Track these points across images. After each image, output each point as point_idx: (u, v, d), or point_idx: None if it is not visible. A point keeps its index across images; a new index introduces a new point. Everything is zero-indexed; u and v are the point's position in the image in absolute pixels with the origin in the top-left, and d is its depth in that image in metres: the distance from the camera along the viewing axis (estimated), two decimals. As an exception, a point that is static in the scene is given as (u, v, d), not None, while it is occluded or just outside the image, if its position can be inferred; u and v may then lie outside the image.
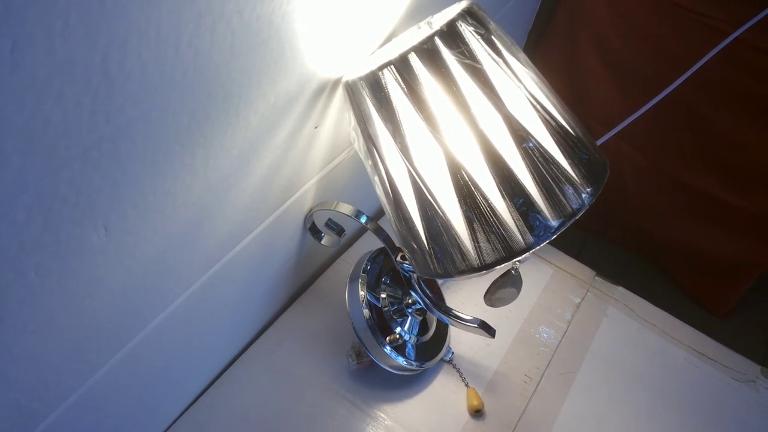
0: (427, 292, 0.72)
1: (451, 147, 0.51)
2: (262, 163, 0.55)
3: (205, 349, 0.66)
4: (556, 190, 0.51)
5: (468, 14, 0.52)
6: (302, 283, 0.83)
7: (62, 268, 0.38)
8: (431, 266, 0.56)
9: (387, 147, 0.54)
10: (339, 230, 0.73)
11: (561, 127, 0.53)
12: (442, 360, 0.78)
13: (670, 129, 1.23)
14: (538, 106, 0.53)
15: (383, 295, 0.74)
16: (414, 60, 0.51)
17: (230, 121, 0.46)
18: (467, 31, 0.51)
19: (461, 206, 0.52)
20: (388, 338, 0.71)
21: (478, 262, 0.53)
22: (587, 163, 0.53)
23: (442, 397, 0.75)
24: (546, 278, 0.90)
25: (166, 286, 0.53)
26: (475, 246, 0.52)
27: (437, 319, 0.79)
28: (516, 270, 0.65)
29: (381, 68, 0.51)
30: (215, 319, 0.65)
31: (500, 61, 0.52)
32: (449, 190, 0.52)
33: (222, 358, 0.73)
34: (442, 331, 0.78)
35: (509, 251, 0.51)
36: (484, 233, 0.52)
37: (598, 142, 0.95)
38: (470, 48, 0.51)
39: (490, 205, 0.51)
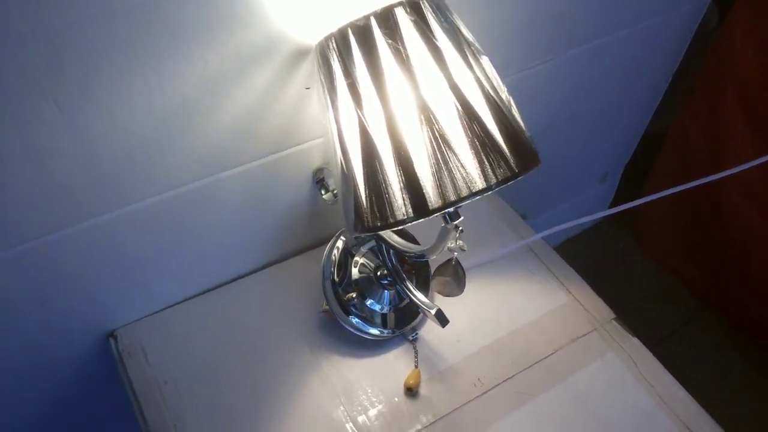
0: (394, 262, 0.77)
1: (364, 118, 0.57)
2: (236, 102, 0.65)
3: (196, 253, 0.80)
4: (447, 175, 0.54)
5: (408, 2, 0.57)
6: (320, 238, 0.92)
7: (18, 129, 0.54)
8: (347, 223, 0.62)
9: (330, 112, 0.62)
10: (335, 191, 0.81)
11: (475, 118, 0.55)
12: (405, 338, 0.82)
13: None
14: (455, 95, 0.56)
15: (360, 260, 0.81)
16: (349, 34, 0.57)
17: (180, 51, 0.57)
18: (402, 15, 0.56)
19: (364, 171, 0.58)
20: (346, 296, 0.78)
21: (370, 223, 0.58)
22: (492, 157, 0.55)
23: (389, 368, 0.79)
24: (555, 304, 0.88)
25: (143, 177, 0.66)
26: (371, 209, 0.58)
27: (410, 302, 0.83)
28: (456, 260, 0.68)
29: (327, 39, 0.59)
30: (210, 229, 0.78)
31: (429, 47, 0.56)
32: (358, 157, 0.58)
33: (223, 273, 0.86)
34: (411, 312, 0.82)
35: (387, 220, 0.56)
36: (376, 198, 0.57)
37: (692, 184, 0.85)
38: (399, 31, 0.56)
39: (383, 175, 0.56)
